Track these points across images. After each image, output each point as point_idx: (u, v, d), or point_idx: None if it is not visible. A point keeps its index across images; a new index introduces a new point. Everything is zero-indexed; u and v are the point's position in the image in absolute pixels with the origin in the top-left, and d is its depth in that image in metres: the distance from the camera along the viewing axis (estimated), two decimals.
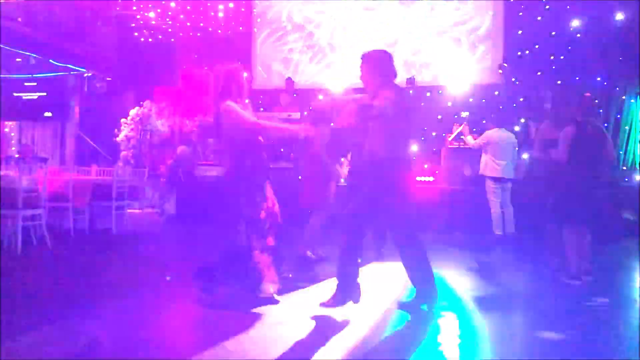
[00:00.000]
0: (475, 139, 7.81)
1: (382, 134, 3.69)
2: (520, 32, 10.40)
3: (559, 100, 8.59)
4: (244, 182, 3.84)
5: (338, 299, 3.78)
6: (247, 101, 4.12)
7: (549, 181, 5.20)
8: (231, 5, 11.69)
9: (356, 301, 3.81)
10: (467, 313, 3.93)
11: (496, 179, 7.36)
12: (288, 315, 3.69)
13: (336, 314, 3.71)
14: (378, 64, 3.83)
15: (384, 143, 3.70)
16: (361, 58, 3.90)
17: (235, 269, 3.94)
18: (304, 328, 3.45)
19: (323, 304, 3.81)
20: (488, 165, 7.42)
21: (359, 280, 3.83)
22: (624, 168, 9.60)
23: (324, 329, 3.44)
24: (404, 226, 3.84)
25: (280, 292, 3.99)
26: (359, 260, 3.90)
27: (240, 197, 3.83)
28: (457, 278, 5.08)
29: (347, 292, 3.78)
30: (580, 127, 4.86)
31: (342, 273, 3.79)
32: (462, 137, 8.34)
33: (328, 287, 4.05)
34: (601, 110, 9.67)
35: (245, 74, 4.18)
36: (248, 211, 3.84)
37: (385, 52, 3.93)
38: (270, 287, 3.89)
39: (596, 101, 9.58)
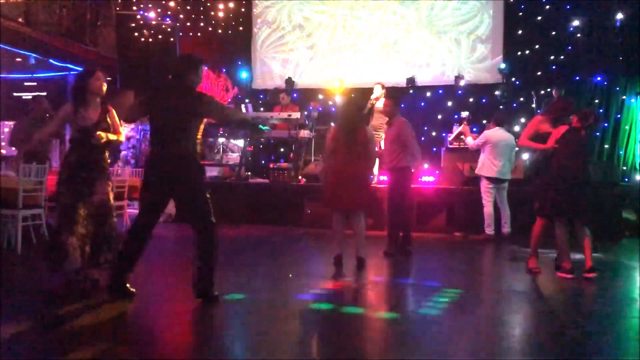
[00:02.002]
0: (475, 139, 7.81)
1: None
2: (520, 32, 10.41)
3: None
4: (66, 174, 4.21)
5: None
6: (97, 105, 4.28)
7: (540, 174, 5.27)
8: (231, 5, 11.69)
9: (130, 296, 3.93)
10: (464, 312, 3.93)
11: (492, 179, 7.35)
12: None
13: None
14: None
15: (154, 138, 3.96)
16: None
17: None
18: None
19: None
20: (485, 165, 7.41)
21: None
22: (624, 168, 9.60)
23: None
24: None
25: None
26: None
27: (60, 185, 4.23)
28: (455, 278, 5.08)
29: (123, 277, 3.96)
30: (575, 129, 5.04)
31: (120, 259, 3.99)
32: (461, 136, 8.33)
33: None
34: (601, 110, 9.68)
35: (93, 77, 4.25)
36: (62, 198, 4.19)
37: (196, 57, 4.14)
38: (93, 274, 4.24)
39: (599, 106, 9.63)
